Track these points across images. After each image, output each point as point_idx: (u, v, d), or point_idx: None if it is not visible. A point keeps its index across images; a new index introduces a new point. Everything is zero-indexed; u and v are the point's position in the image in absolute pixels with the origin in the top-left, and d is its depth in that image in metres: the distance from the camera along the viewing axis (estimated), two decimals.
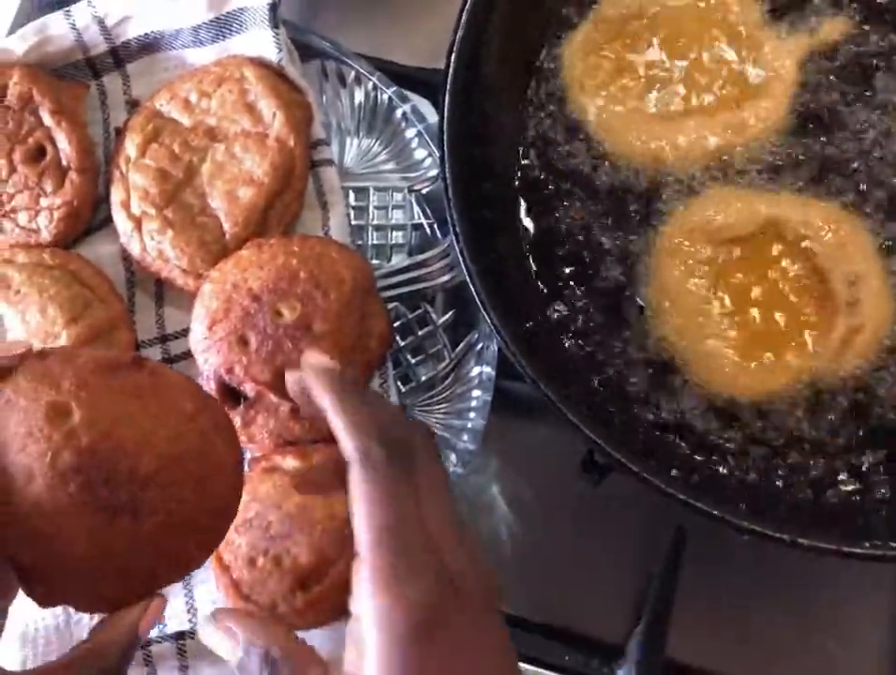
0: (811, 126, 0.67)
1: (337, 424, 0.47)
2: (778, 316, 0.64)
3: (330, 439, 0.62)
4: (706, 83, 0.69)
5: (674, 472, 0.59)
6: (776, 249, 0.65)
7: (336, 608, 0.57)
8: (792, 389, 0.63)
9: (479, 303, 0.58)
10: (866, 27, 0.68)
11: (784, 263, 0.64)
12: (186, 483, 0.47)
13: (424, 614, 0.42)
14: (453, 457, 0.66)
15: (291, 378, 0.53)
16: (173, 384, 0.49)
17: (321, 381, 0.49)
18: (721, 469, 0.62)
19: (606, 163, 0.68)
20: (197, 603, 0.62)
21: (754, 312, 0.64)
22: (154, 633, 0.61)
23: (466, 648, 0.43)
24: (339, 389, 0.48)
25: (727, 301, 0.64)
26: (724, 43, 0.70)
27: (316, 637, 0.57)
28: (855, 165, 0.66)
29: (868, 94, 0.67)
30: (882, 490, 0.61)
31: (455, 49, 0.62)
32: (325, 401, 0.48)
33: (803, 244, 0.64)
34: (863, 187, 0.65)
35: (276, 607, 0.57)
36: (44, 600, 0.46)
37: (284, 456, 0.63)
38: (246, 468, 0.63)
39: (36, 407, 0.46)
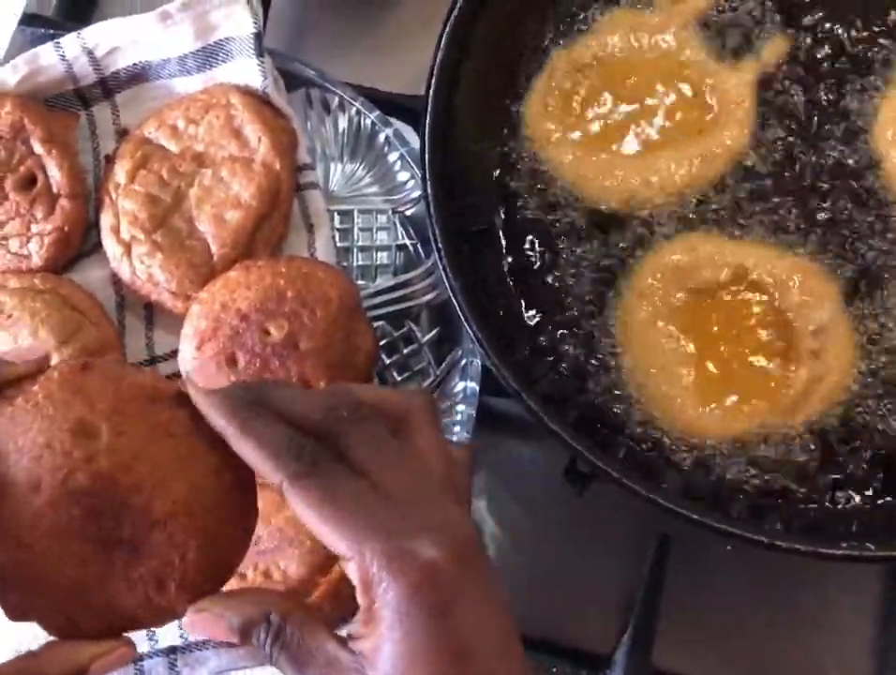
0: (776, 154, 0.68)
1: (243, 452, 0.43)
2: (740, 362, 0.65)
3: None
4: (666, 121, 0.70)
5: (654, 479, 0.60)
6: (742, 296, 0.66)
7: (326, 619, 0.58)
8: (751, 434, 0.63)
9: (462, 317, 0.60)
10: (805, 43, 0.70)
11: (749, 310, 0.66)
12: (194, 537, 0.45)
13: (435, 571, 0.40)
14: None
15: None
16: (208, 431, 0.46)
17: (212, 405, 0.45)
18: (699, 479, 0.63)
19: (577, 202, 0.69)
20: None
21: (717, 357, 0.65)
22: (145, 648, 0.62)
23: (478, 595, 0.41)
24: (232, 411, 0.44)
25: (691, 344, 0.65)
26: (676, 80, 0.71)
27: None
28: (821, 203, 0.67)
29: (826, 110, 0.69)
30: (853, 502, 0.62)
31: (435, 69, 0.64)
32: (225, 430, 0.44)
33: (769, 292, 0.65)
34: (830, 234, 0.66)
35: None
36: (14, 611, 0.45)
37: None
38: None
39: (63, 419, 0.44)
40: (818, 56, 0.69)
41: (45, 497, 0.43)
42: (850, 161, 0.67)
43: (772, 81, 0.70)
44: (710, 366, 0.65)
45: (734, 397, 0.64)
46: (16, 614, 0.45)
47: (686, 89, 0.71)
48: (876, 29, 0.69)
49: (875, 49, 0.69)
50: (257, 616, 0.43)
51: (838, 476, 0.63)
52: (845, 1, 0.70)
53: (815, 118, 0.68)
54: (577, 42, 0.72)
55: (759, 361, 0.65)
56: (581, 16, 0.73)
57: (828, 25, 0.70)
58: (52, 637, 0.46)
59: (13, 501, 0.44)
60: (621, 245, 0.68)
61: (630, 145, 0.70)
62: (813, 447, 0.63)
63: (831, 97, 0.69)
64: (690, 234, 0.67)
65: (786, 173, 0.68)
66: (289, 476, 0.41)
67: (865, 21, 0.69)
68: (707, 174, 0.68)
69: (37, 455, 0.44)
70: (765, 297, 0.65)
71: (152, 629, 0.62)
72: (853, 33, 0.69)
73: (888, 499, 0.61)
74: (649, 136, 0.70)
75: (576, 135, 0.71)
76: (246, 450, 0.43)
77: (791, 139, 0.68)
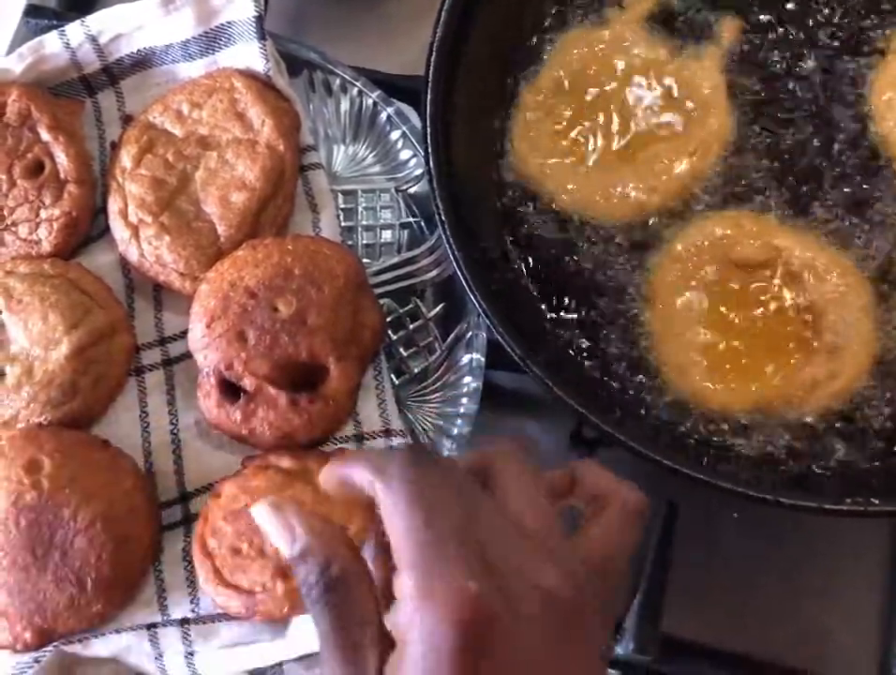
0: (764, 133, 0.69)
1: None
2: (759, 342, 0.66)
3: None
4: (648, 126, 0.71)
5: (659, 442, 0.61)
6: (775, 279, 0.67)
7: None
8: (756, 411, 0.65)
9: (466, 286, 0.61)
10: (758, 18, 0.71)
11: (779, 295, 0.66)
12: (109, 541, 0.61)
13: (464, 614, 0.36)
14: (447, 442, 0.68)
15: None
16: (123, 466, 0.65)
17: None
18: (702, 443, 0.64)
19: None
20: (200, 593, 0.64)
21: (737, 333, 0.66)
22: (158, 618, 0.63)
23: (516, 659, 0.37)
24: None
25: (715, 316, 0.66)
26: (645, 84, 0.72)
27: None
28: (821, 177, 0.68)
29: (797, 79, 0.70)
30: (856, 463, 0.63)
31: (435, 44, 0.65)
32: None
33: (803, 280, 0.66)
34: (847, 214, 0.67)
35: (256, 594, 0.60)
36: None
37: (280, 456, 0.65)
38: (239, 465, 0.65)
39: (20, 458, 0.62)
40: (776, 26, 0.71)
41: (1, 516, 0.60)
42: (841, 133, 0.69)
43: (737, 60, 0.71)
44: (729, 340, 0.66)
45: (745, 374, 0.65)
46: None
47: (657, 91, 0.72)
48: None
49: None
50: (318, 555, 0.42)
51: (841, 442, 0.64)
52: None
53: (790, 90, 0.70)
54: (540, 72, 0.73)
55: (777, 345, 0.65)
56: (536, 43, 0.74)
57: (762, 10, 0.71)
58: None
59: None
60: (625, 241, 0.69)
61: (620, 158, 0.71)
62: (813, 428, 0.64)
63: (800, 64, 0.70)
64: (735, 211, 0.68)
65: (782, 150, 0.69)
66: (383, 474, 0.42)
67: None
68: (705, 165, 0.69)
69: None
70: (798, 285, 0.66)
71: (164, 603, 0.63)
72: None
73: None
74: (636, 144, 0.71)
75: (567, 161, 0.71)
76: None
77: (774, 114, 0.70)
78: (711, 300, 0.67)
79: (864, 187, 0.68)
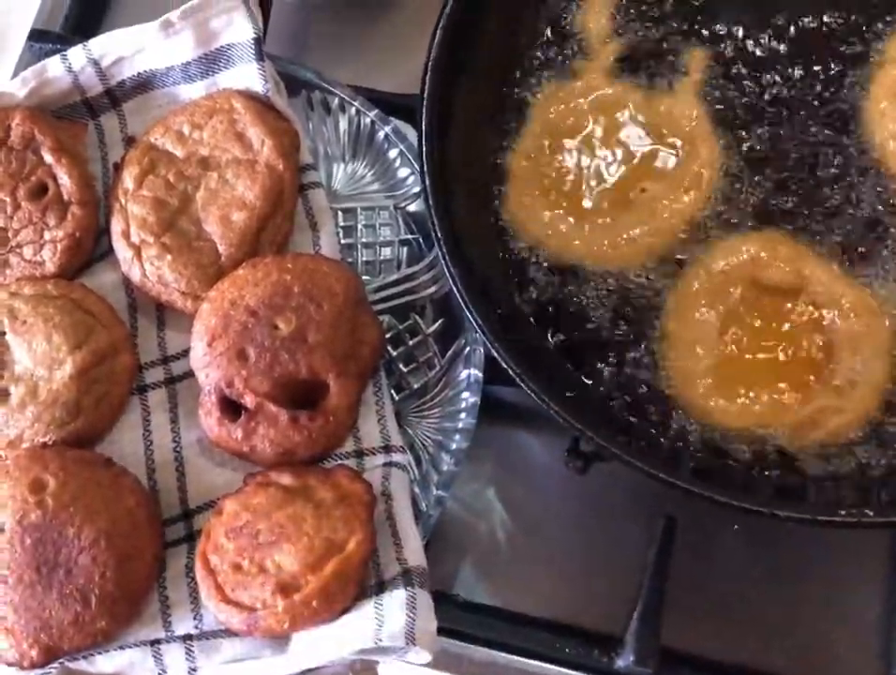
0: (752, 152, 0.70)
1: None
2: (770, 367, 0.66)
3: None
4: (639, 168, 0.71)
5: (657, 456, 0.61)
6: (798, 307, 0.67)
7: (313, 615, 0.60)
8: (752, 433, 0.65)
9: (462, 303, 0.61)
10: (720, 46, 0.72)
11: (798, 322, 0.66)
12: (112, 558, 0.62)
13: None
14: (446, 457, 0.68)
15: None
16: (126, 484, 0.66)
17: None
18: (699, 456, 0.65)
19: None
20: (203, 609, 0.65)
21: (750, 352, 0.66)
22: (162, 634, 0.64)
23: None
24: None
25: (728, 334, 0.67)
26: (628, 129, 0.72)
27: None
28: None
29: (766, 97, 0.71)
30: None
31: (430, 64, 0.66)
32: None
33: (824, 314, 0.66)
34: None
35: (257, 610, 0.60)
36: None
37: (281, 473, 0.65)
38: (241, 482, 0.66)
39: (25, 478, 0.63)
40: (742, 51, 0.72)
41: (7, 535, 0.62)
42: (833, 148, 0.70)
43: (710, 88, 0.72)
44: (740, 360, 0.66)
45: (750, 396, 0.65)
46: None
47: (640, 133, 0.72)
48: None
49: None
50: None
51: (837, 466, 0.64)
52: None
53: (775, 109, 0.71)
54: (522, 134, 0.74)
55: (788, 371, 0.66)
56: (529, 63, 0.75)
57: (735, 28, 0.73)
58: None
59: None
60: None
61: (619, 205, 0.71)
62: (810, 453, 0.65)
63: (784, 82, 0.71)
64: (770, 234, 0.68)
65: (779, 174, 0.70)
66: None
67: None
68: (703, 196, 0.70)
69: (5, 504, 0.63)
70: (820, 317, 0.66)
71: (168, 619, 0.64)
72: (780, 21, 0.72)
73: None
74: (631, 189, 0.71)
75: (566, 219, 0.71)
76: None
77: (763, 136, 0.70)
78: (728, 318, 0.67)
79: (872, 210, 0.68)
